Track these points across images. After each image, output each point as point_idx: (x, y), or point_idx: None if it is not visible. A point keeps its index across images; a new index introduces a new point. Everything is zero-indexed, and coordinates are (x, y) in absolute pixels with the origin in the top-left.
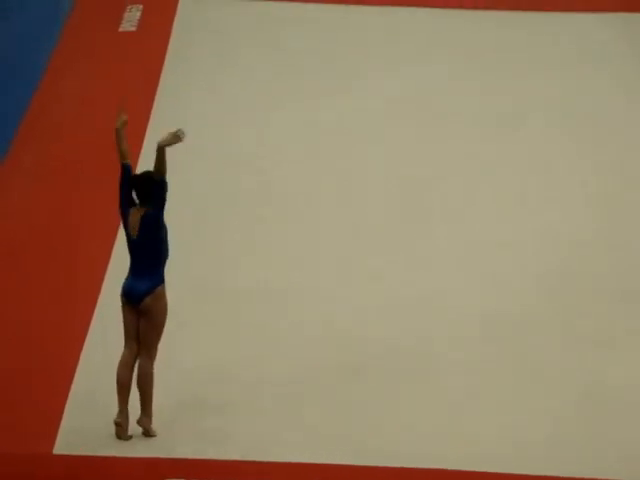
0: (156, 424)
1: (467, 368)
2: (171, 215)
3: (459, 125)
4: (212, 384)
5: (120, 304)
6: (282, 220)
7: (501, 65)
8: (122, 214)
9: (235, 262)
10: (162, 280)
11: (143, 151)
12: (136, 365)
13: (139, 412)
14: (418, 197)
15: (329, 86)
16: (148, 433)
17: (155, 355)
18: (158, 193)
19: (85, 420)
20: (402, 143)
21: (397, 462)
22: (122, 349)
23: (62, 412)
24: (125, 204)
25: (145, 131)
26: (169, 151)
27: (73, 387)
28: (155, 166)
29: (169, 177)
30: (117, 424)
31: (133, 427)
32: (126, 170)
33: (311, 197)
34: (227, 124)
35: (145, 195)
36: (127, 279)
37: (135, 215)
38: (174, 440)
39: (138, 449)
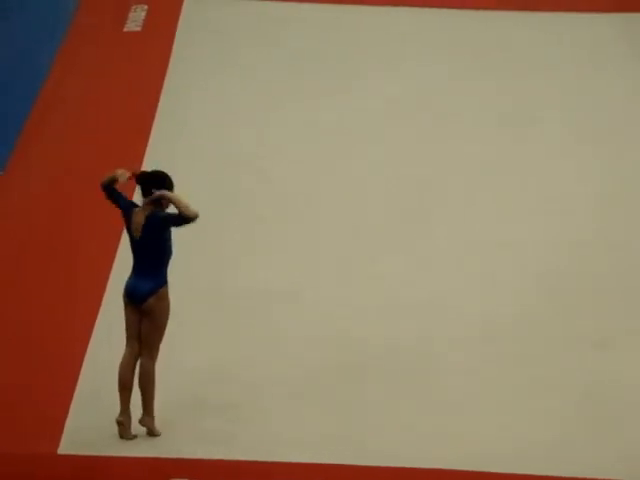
0: (159, 424)
1: (467, 368)
2: None
3: (459, 125)
4: (213, 384)
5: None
6: (282, 220)
7: (501, 65)
8: (125, 216)
9: (235, 262)
10: (165, 281)
11: (148, 150)
12: (138, 365)
13: (141, 412)
14: (418, 197)
15: (330, 86)
16: (152, 432)
17: (157, 355)
18: (178, 220)
19: (90, 420)
20: (402, 143)
21: (397, 462)
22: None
23: (67, 412)
24: (126, 208)
25: (150, 130)
26: (169, 151)
27: (78, 387)
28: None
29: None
30: (119, 423)
31: (137, 427)
32: (106, 188)
33: (311, 197)
34: (230, 124)
35: (149, 193)
36: (130, 279)
37: (139, 215)
38: (178, 440)
39: (142, 449)
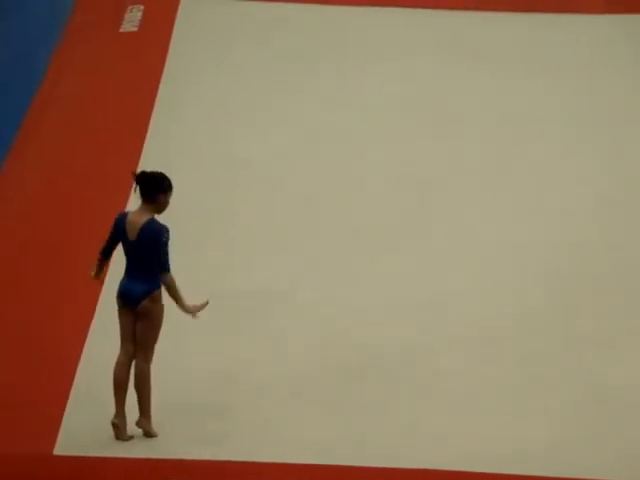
0: (157, 425)
1: (467, 368)
2: (170, 216)
3: (460, 125)
4: (212, 385)
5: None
6: (281, 219)
7: (501, 66)
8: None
9: (235, 263)
10: (159, 285)
11: (145, 149)
12: (133, 366)
13: (138, 413)
14: (418, 197)
15: (330, 86)
16: (149, 434)
17: (152, 357)
18: (162, 257)
19: (86, 421)
20: (402, 143)
21: (397, 463)
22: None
23: (63, 413)
24: (120, 232)
25: (147, 129)
26: (165, 150)
27: (74, 387)
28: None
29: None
30: (114, 425)
31: (134, 428)
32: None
33: (311, 197)
34: (226, 123)
35: (147, 194)
36: (123, 281)
37: (136, 218)
38: (175, 441)
39: (139, 450)
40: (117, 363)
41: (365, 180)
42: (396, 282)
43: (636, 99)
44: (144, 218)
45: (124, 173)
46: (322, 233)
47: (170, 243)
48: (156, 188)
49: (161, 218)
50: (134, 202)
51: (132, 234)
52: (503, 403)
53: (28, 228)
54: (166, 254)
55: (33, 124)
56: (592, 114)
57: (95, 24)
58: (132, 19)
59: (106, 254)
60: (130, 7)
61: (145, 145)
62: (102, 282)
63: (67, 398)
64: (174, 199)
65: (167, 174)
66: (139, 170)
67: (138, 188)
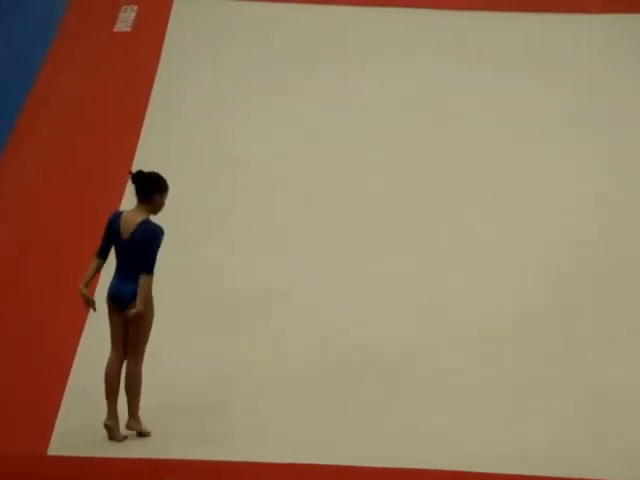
0: (153, 426)
1: (467, 368)
2: (168, 215)
3: (460, 125)
4: (212, 385)
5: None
6: (282, 220)
7: (501, 66)
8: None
9: (234, 263)
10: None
11: (140, 147)
12: (124, 368)
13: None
14: (418, 197)
15: (330, 86)
16: (141, 433)
17: (142, 358)
18: (150, 257)
19: (80, 421)
20: (402, 143)
21: (397, 463)
22: None
23: (57, 413)
24: (113, 233)
25: (142, 127)
26: (161, 148)
27: (68, 388)
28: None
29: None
30: (107, 426)
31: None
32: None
33: (311, 197)
34: (222, 121)
35: (142, 194)
36: (113, 281)
37: (131, 218)
38: (171, 441)
39: (134, 450)
40: (108, 364)
41: (365, 180)
42: (396, 282)
43: (636, 99)
44: (139, 218)
45: (120, 171)
46: (322, 233)
47: (163, 244)
48: (152, 188)
49: (160, 218)
50: (129, 200)
51: (126, 233)
52: (503, 403)
53: (26, 225)
54: (155, 256)
55: (28, 122)
56: (592, 114)
57: (89, 24)
58: (126, 19)
59: (103, 255)
60: (124, 7)
61: (140, 142)
62: (96, 282)
63: (61, 398)
64: (171, 199)
65: (162, 173)
66: (135, 170)
67: (134, 187)
